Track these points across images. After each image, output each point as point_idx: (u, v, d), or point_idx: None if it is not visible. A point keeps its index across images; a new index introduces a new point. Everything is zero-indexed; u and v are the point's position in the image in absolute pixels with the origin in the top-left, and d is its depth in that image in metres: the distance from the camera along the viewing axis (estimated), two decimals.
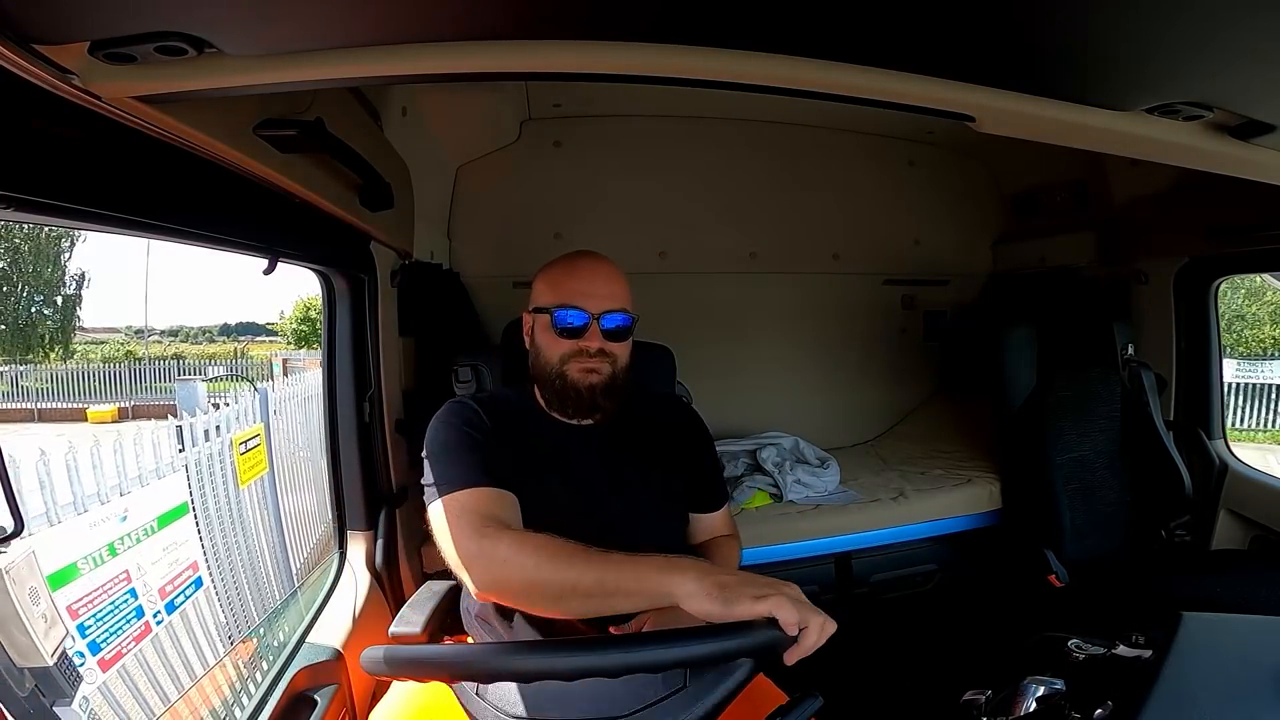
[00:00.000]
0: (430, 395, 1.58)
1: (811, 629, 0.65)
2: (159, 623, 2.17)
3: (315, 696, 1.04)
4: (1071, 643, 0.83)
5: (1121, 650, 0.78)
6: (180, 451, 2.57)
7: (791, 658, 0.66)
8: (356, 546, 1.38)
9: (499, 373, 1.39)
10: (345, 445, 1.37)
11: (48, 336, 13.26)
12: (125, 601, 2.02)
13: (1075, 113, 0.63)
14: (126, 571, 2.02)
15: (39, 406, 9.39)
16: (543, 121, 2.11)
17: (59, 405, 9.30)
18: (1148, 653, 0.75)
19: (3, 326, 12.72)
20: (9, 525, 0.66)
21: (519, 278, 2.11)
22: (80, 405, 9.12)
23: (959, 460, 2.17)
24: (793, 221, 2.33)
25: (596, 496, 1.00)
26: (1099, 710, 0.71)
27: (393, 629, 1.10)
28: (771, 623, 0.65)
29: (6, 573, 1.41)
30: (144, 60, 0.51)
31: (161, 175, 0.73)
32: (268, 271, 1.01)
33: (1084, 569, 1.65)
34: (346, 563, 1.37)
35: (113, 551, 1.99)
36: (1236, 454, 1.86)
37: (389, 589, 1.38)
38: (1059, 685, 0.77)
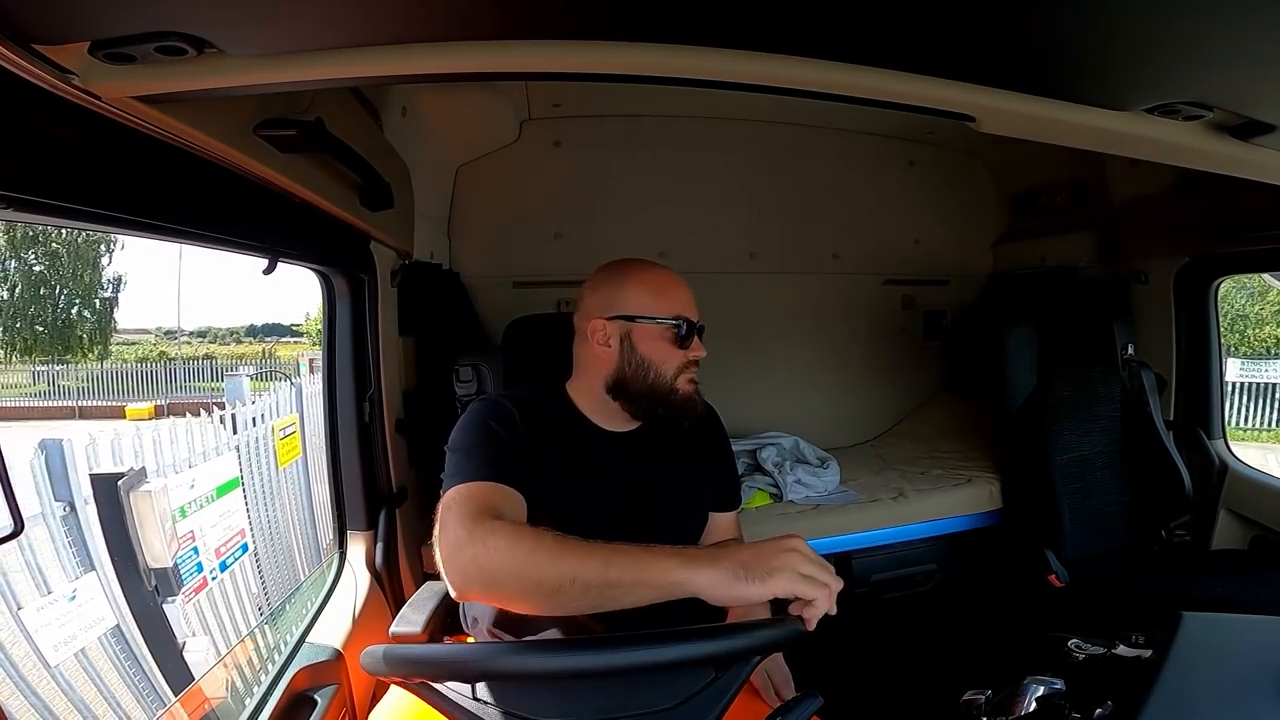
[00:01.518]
0: (430, 395, 1.58)
1: (820, 600, 0.68)
2: (214, 579, 2.53)
3: (315, 696, 1.04)
4: (1071, 643, 0.83)
5: (1121, 650, 0.78)
6: (234, 434, 2.96)
7: (811, 623, 0.69)
8: (356, 546, 1.38)
9: (500, 373, 1.39)
10: (345, 445, 1.37)
11: (86, 338, 14.13)
12: (189, 557, 2.33)
13: (1075, 113, 0.63)
14: (192, 531, 2.36)
15: (79, 404, 9.90)
16: (543, 121, 2.11)
17: (98, 403, 9.78)
18: (1148, 653, 0.76)
19: (41, 329, 13.60)
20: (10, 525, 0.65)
21: (519, 278, 2.13)
22: (118, 403, 9.58)
23: (959, 460, 2.17)
24: (793, 221, 2.33)
25: (632, 501, 1.00)
26: (1099, 710, 0.71)
27: (393, 629, 1.10)
28: (784, 620, 0.67)
29: (153, 494, 2.04)
30: (144, 60, 0.51)
31: (161, 175, 0.73)
32: (268, 271, 1.01)
33: (1084, 569, 1.65)
34: (346, 563, 1.37)
35: (183, 513, 2.31)
36: (1239, 454, 1.86)
37: (389, 589, 1.38)
38: (1059, 685, 0.77)
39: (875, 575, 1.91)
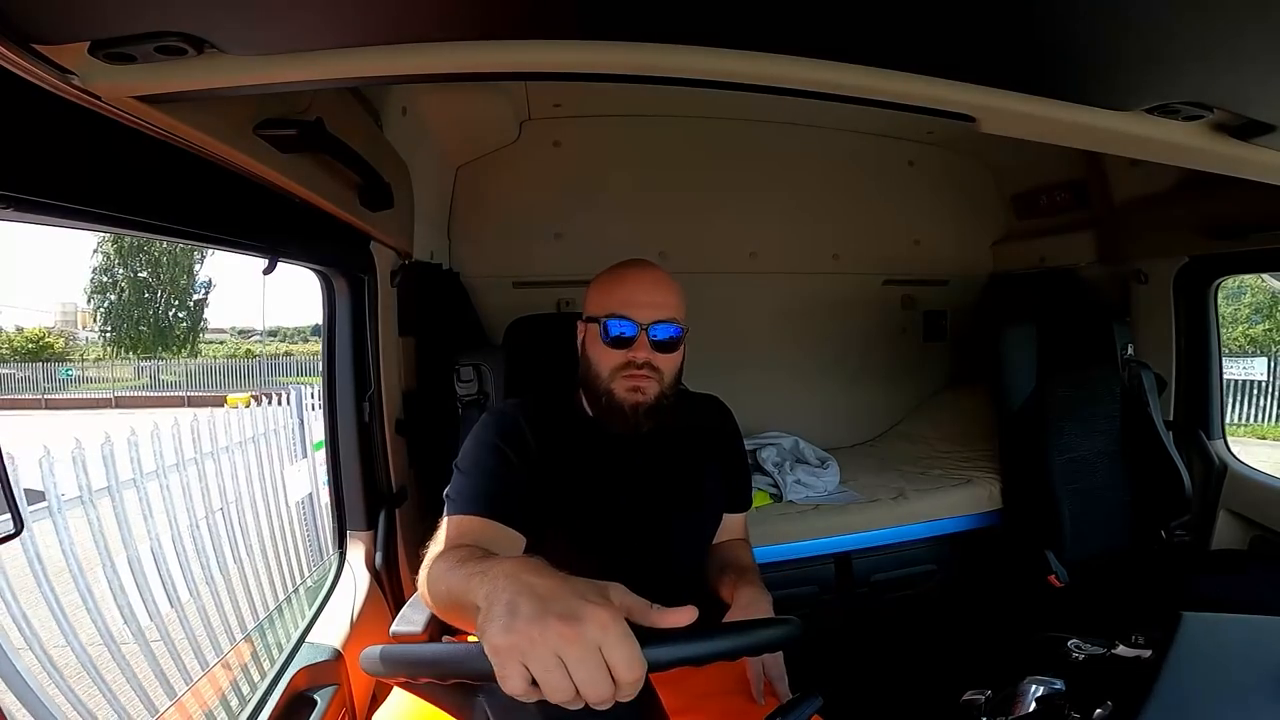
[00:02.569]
0: (430, 395, 1.58)
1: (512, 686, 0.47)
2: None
3: (315, 696, 1.04)
4: (1071, 643, 0.83)
5: (1121, 650, 0.79)
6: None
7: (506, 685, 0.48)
8: (356, 547, 1.38)
9: (500, 373, 1.39)
10: (345, 445, 1.37)
11: (181, 336, 16.95)
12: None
13: (1075, 113, 0.63)
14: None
15: (188, 394, 12.39)
16: (543, 121, 2.11)
17: (200, 394, 12.23)
18: (1148, 653, 0.76)
19: (144, 328, 16.41)
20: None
21: (519, 278, 2.13)
22: (218, 394, 11.59)
23: (959, 460, 2.17)
24: (793, 221, 2.33)
25: (641, 506, 0.99)
26: (1099, 710, 0.71)
27: (393, 629, 1.10)
28: (786, 620, 0.64)
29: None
30: (144, 60, 0.51)
31: (161, 175, 0.73)
32: (268, 271, 1.01)
33: (1084, 569, 1.65)
34: (346, 563, 1.37)
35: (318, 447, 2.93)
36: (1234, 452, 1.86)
37: (389, 589, 1.38)
38: (1059, 685, 0.77)
39: (875, 575, 1.91)
